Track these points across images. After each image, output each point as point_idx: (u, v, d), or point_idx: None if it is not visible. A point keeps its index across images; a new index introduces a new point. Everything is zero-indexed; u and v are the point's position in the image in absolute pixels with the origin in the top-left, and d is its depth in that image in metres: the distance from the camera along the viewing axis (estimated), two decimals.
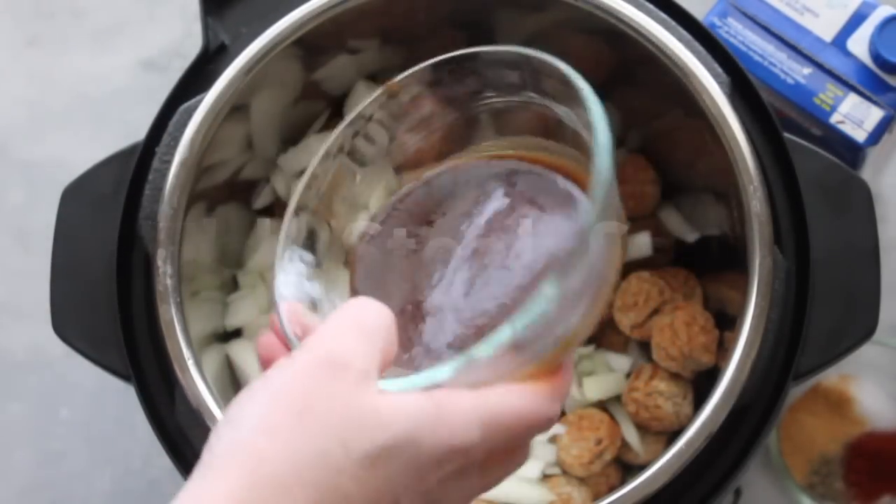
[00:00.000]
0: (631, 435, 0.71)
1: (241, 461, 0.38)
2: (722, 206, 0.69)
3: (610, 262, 0.43)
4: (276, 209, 0.77)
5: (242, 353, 0.73)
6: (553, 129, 0.48)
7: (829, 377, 0.80)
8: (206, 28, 0.68)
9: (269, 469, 0.38)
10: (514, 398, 0.42)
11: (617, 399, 0.73)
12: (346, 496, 0.39)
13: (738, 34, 0.73)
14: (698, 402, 0.69)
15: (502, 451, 0.43)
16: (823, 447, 0.79)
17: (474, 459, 0.42)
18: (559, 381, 0.44)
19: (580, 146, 0.46)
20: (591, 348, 0.74)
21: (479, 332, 0.45)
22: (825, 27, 0.73)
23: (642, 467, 0.62)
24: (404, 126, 0.51)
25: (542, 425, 0.43)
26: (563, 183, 0.47)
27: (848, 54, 0.72)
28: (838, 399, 0.80)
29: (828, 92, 0.72)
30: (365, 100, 0.49)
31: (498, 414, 0.42)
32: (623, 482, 0.69)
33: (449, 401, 0.41)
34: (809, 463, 0.79)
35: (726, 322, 0.69)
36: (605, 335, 0.75)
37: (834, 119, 0.72)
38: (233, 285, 0.76)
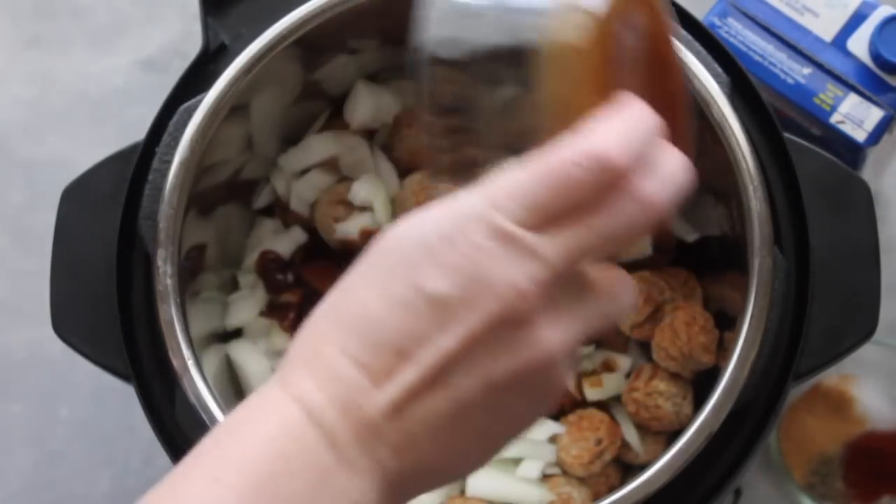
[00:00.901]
0: (631, 435, 0.71)
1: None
2: (722, 206, 0.69)
3: None
4: (276, 209, 0.77)
5: (242, 353, 0.73)
6: None
7: (829, 377, 0.80)
8: (206, 28, 0.68)
9: None
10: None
11: (617, 399, 0.73)
12: None
13: (738, 34, 0.73)
14: (698, 402, 0.69)
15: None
16: (823, 447, 0.79)
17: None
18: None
19: None
20: (591, 348, 0.74)
21: None
22: (825, 27, 0.73)
23: (642, 467, 0.62)
24: None
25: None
26: None
27: (848, 54, 0.72)
28: (838, 399, 0.80)
29: (828, 92, 0.72)
30: None
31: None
32: (623, 482, 0.69)
33: None
34: (809, 463, 0.79)
35: (726, 322, 0.69)
36: (605, 335, 0.75)
37: (834, 119, 0.72)
38: (233, 285, 0.76)
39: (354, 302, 0.40)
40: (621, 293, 0.42)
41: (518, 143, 0.42)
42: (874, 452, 0.79)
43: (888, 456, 0.79)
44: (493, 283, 0.38)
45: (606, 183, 0.39)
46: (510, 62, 0.42)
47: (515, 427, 0.42)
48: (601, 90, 0.42)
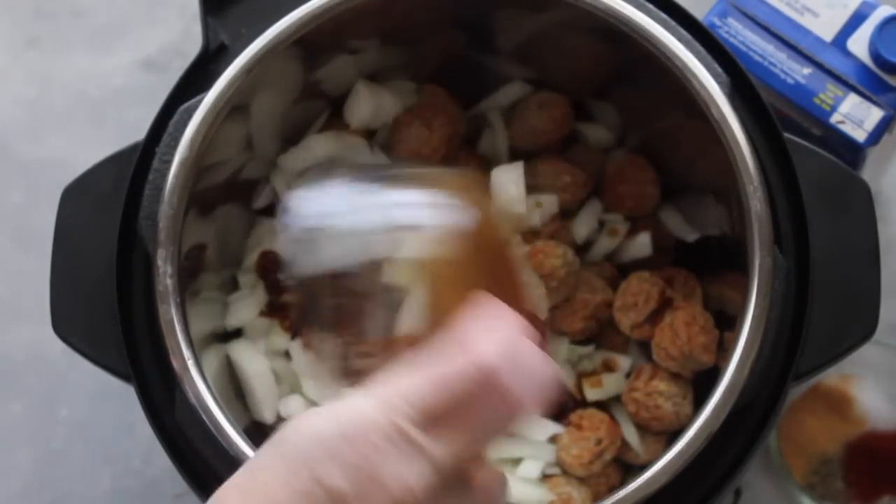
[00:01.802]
0: (631, 435, 0.71)
1: None
2: (722, 206, 0.69)
3: None
4: (276, 209, 0.77)
5: (242, 353, 0.73)
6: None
7: (829, 377, 0.80)
8: (206, 28, 0.68)
9: None
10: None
11: (617, 399, 0.73)
12: None
13: (738, 34, 0.73)
14: (698, 402, 0.69)
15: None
16: (823, 447, 0.79)
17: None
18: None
19: None
20: (590, 348, 0.74)
21: None
22: (825, 27, 0.73)
23: (642, 467, 0.62)
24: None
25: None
26: None
27: (848, 54, 0.72)
28: (838, 399, 0.80)
29: (828, 92, 0.72)
30: None
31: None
32: (623, 482, 0.69)
33: None
34: (809, 463, 0.79)
35: (726, 322, 0.69)
36: (605, 335, 0.75)
37: (834, 119, 0.72)
38: (233, 285, 0.76)
39: (261, 484, 0.43)
40: (498, 493, 0.48)
41: (398, 345, 0.47)
42: (874, 452, 0.79)
43: (888, 456, 0.79)
44: (387, 481, 0.42)
45: (485, 387, 0.44)
46: (369, 276, 0.47)
47: None
48: (465, 292, 0.47)
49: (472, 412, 0.44)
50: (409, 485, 0.42)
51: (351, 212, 0.47)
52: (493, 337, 0.45)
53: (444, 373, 0.44)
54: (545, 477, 0.71)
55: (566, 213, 0.75)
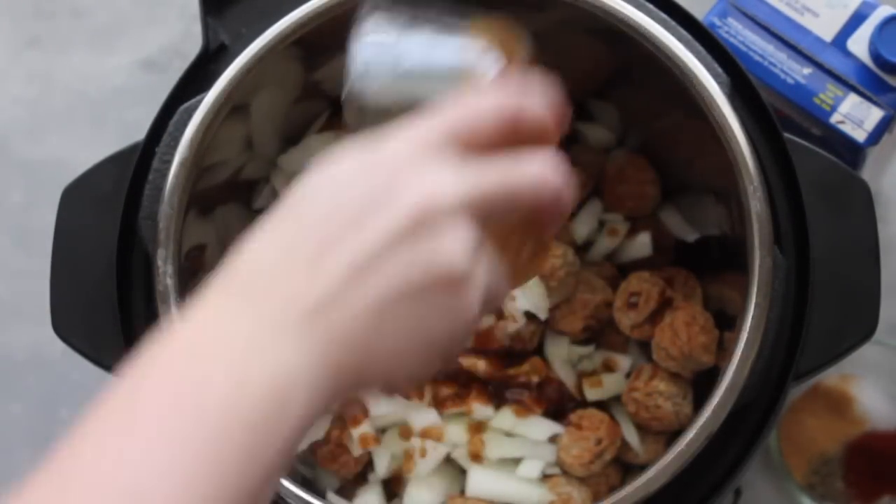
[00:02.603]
0: (631, 435, 0.71)
1: None
2: (722, 206, 0.69)
3: None
4: None
5: None
6: None
7: (829, 377, 0.80)
8: (206, 28, 0.68)
9: None
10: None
11: (617, 399, 0.73)
12: None
13: (738, 34, 0.73)
14: (698, 403, 0.69)
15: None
16: (823, 447, 0.79)
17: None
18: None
19: None
20: (590, 348, 0.74)
21: None
22: (825, 27, 0.73)
23: (642, 467, 0.62)
24: None
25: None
26: None
27: (848, 54, 0.72)
28: (838, 399, 0.80)
29: (828, 92, 0.72)
30: None
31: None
32: (623, 482, 0.69)
33: None
34: (809, 463, 0.79)
35: (726, 322, 0.69)
36: (605, 335, 0.75)
37: (834, 119, 0.72)
38: None
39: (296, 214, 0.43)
40: (529, 160, 0.44)
41: None
42: (874, 452, 0.79)
43: (888, 456, 0.79)
44: (408, 184, 0.41)
45: (516, 119, 0.44)
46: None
47: (437, 336, 0.42)
48: None
49: (504, 150, 0.43)
50: (433, 188, 0.41)
51: (420, 55, 0.47)
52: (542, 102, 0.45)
53: (473, 104, 0.43)
54: (545, 477, 0.71)
55: None
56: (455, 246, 0.41)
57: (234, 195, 0.75)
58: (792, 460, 0.79)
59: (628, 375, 0.73)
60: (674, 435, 0.65)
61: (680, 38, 0.65)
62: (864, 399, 0.80)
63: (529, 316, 0.72)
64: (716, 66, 0.65)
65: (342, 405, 0.71)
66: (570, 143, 0.77)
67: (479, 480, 0.70)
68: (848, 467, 0.79)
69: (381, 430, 0.72)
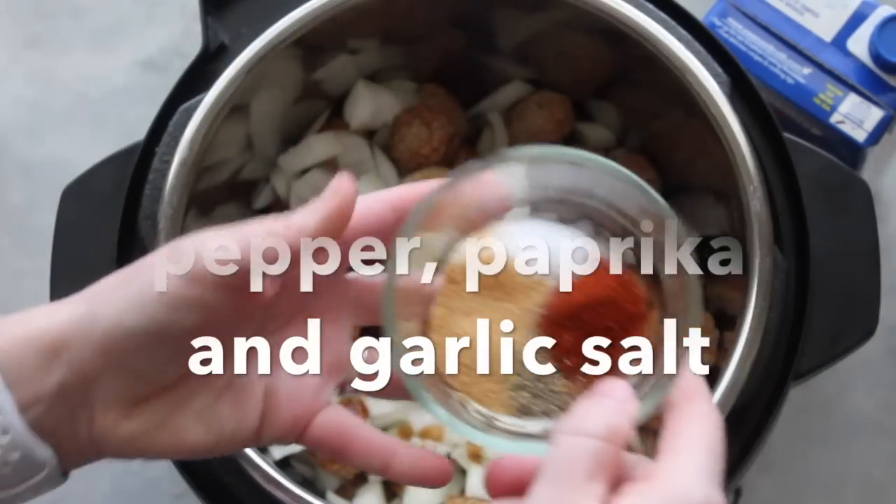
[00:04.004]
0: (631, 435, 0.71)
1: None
2: (722, 206, 0.69)
3: None
4: (275, 209, 0.77)
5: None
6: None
7: None
8: (206, 28, 0.68)
9: None
10: None
11: None
12: None
13: (738, 34, 0.73)
14: None
15: None
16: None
17: None
18: None
19: None
20: None
21: None
22: (825, 27, 0.73)
23: None
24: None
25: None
26: None
27: (848, 54, 0.72)
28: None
29: (828, 92, 0.72)
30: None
31: None
32: None
33: None
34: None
35: (726, 322, 0.69)
36: None
37: (834, 119, 0.72)
38: None
39: None
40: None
41: None
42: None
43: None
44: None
45: None
46: None
47: None
48: None
49: None
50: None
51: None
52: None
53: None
54: None
55: None
56: None
57: (234, 195, 0.75)
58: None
59: None
60: None
61: (680, 38, 0.65)
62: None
63: None
64: (716, 66, 0.65)
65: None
66: (570, 143, 0.77)
67: (479, 480, 0.70)
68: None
69: (382, 430, 0.72)
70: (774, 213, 0.63)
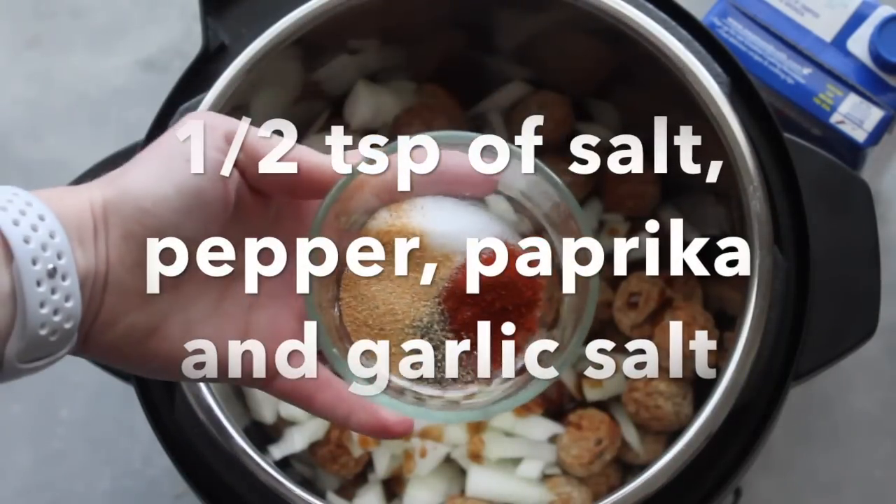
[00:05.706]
0: (631, 435, 0.71)
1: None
2: (722, 206, 0.69)
3: None
4: None
5: None
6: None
7: None
8: (206, 28, 0.68)
9: None
10: None
11: (617, 399, 0.73)
12: None
13: (738, 34, 0.73)
14: (698, 402, 0.69)
15: None
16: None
17: None
18: None
19: None
20: None
21: None
22: (825, 27, 0.73)
23: (642, 467, 0.62)
24: None
25: None
26: None
27: (848, 54, 0.72)
28: None
29: (828, 92, 0.72)
30: None
31: None
32: (623, 482, 0.69)
33: None
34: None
35: (726, 322, 0.69)
36: (605, 335, 0.75)
37: (834, 119, 0.72)
38: None
39: None
40: None
41: None
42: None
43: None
44: None
45: None
46: None
47: None
48: None
49: None
50: None
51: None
52: None
53: None
54: (545, 477, 0.71)
55: None
56: None
57: None
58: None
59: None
60: (674, 435, 0.65)
61: (680, 38, 0.65)
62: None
63: None
64: (716, 66, 0.65)
65: None
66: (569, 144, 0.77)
67: (479, 480, 0.70)
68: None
69: None
70: (774, 213, 0.63)
